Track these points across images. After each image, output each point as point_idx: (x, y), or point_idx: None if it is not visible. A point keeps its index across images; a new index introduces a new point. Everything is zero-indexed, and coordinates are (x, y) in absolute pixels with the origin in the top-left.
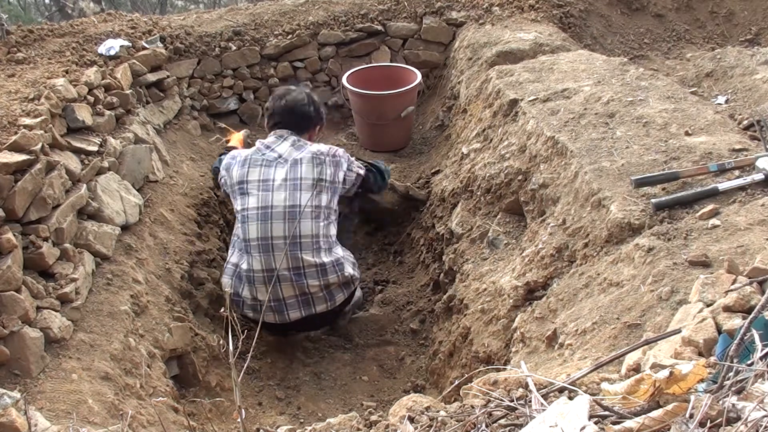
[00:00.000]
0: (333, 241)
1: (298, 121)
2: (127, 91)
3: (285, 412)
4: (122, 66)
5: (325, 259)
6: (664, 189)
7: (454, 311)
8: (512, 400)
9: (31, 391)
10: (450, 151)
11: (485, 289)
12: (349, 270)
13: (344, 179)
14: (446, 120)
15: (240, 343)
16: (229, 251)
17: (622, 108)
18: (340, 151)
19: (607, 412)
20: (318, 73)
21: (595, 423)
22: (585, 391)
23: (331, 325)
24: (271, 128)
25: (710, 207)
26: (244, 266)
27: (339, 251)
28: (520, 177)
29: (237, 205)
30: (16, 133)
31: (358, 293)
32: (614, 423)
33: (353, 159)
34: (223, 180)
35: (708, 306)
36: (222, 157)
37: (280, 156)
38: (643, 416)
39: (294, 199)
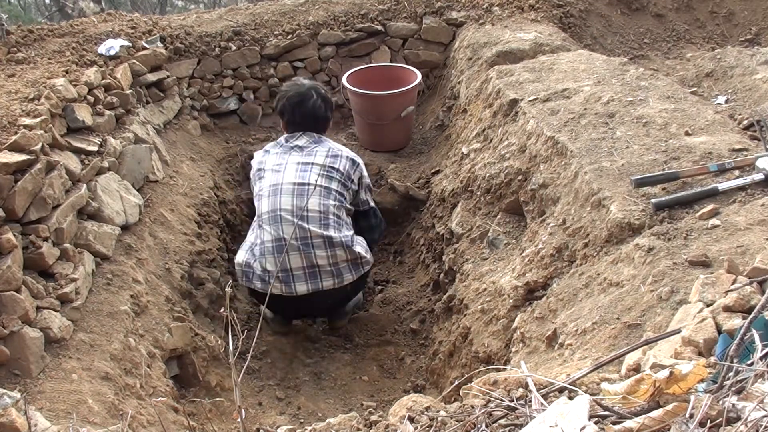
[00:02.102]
0: (344, 223)
1: (320, 126)
2: (127, 91)
3: (285, 412)
4: (122, 66)
5: (333, 233)
6: (664, 189)
7: (454, 311)
8: (512, 400)
9: (31, 391)
10: (450, 151)
11: (485, 289)
12: (359, 249)
13: (358, 182)
14: (446, 120)
15: (240, 342)
16: (248, 234)
17: (622, 108)
18: (360, 160)
19: (607, 412)
20: (318, 73)
21: (595, 423)
22: (585, 391)
23: (338, 311)
24: (291, 132)
25: (710, 207)
26: (258, 240)
27: (350, 233)
28: (520, 177)
29: (255, 189)
30: (16, 133)
31: (359, 294)
32: (614, 423)
33: (370, 188)
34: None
35: (708, 306)
36: None
37: (297, 145)
38: (643, 416)
39: (303, 178)
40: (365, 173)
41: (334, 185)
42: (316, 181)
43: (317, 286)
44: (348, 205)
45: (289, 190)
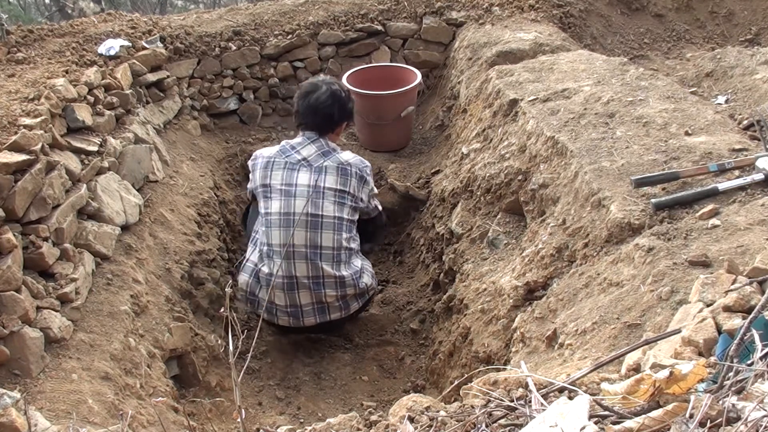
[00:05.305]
0: (354, 252)
1: (320, 122)
2: (127, 91)
3: (285, 412)
4: (122, 66)
5: (345, 272)
6: (664, 189)
7: (454, 311)
8: (512, 400)
9: (31, 391)
10: (450, 151)
11: (485, 289)
12: (366, 280)
13: (366, 198)
14: (446, 120)
15: (240, 343)
16: (249, 248)
17: (622, 108)
18: (369, 168)
19: (607, 412)
20: (318, 73)
21: (595, 423)
22: (585, 391)
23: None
24: (297, 127)
25: (710, 207)
26: (266, 269)
27: (358, 262)
28: (520, 177)
29: (261, 207)
30: (16, 133)
31: None
32: (614, 423)
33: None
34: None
35: (708, 306)
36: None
37: (304, 159)
38: (643, 416)
39: (316, 207)
40: (372, 183)
41: (345, 213)
42: (330, 210)
43: (325, 318)
44: (355, 232)
45: (302, 223)
